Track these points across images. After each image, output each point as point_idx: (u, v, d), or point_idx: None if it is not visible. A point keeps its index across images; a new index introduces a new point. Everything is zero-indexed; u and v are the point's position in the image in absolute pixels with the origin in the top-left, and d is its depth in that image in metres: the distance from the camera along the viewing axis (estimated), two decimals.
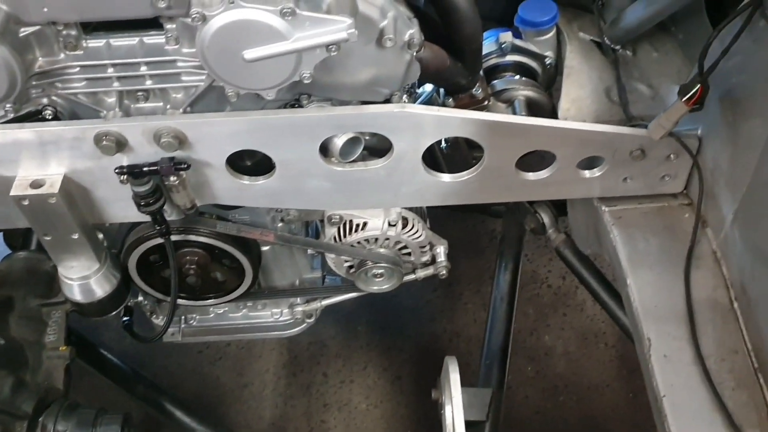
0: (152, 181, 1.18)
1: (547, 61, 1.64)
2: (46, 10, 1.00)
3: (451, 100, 1.43)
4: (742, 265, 1.10)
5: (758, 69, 1.03)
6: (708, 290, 1.14)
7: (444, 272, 1.51)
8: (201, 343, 2.24)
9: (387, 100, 1.23)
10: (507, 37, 1.62)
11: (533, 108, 1.51)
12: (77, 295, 1.35)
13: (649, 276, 1.17)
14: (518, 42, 1.63)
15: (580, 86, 1.54)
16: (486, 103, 1.44)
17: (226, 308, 1.67)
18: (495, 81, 1.58)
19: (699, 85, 1.06)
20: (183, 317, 1.67)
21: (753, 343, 1.07)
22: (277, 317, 1.67)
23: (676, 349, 1.09)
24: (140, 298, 1.59)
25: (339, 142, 1.20)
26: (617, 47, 1.62)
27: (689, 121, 1.21)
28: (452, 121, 1.17)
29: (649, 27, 1.51)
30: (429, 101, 1.49)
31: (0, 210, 1.27)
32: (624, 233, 1.24)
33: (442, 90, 1.45)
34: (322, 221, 1.46)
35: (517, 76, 1.61)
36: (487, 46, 1.65)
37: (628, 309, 1.19)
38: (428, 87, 1.48)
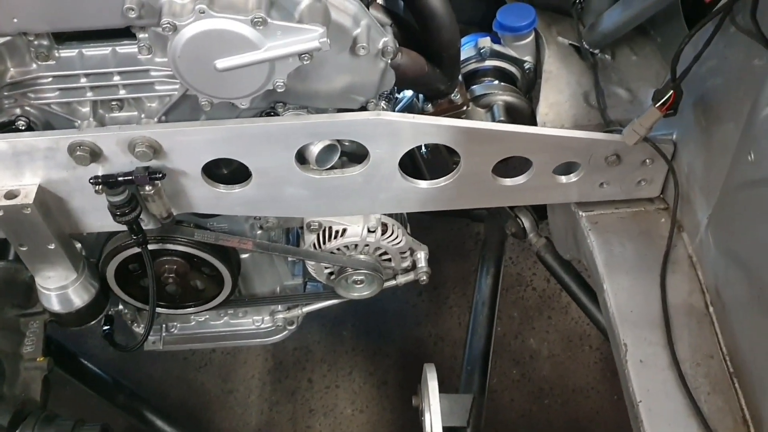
0: (127, 190, 1.17)
1: (526, 65, 1.64)
2: (15, 20, 0.99)
3: (430, 105, 1.43)
4: (717, 269, 1.11)
5: (729, 74, 1.04)
6: (684, 295, 1.15)
7: (424, 278, 1.51)
8: (188, 350, 2.24)
9: (363, 108, 1.23)
10: (486, 42, 1.63)
11: (512, 113, 1.51)
12: (55, 306, 1.34)
13: (625, 281, 1.18)
14: (497, 47, 1.63)
15: (559, 91, 1.54)
16: (465, 108, 1.44)
17: (207, 316, 1.66)
18: (474, 86, 1.58)
19: (672, 91, 1.06)
20: (164, 325, 1.66)
21: (728, 347, 1.08)
22: (258, 324, 1.67)
23: (652, 355, 1.09)
24: (121, 307, 1.59)
25: (315, 149, 1.19)
26: (596, 51, 1.62)
27: (664, 126, 1.22)
28: (428, 128, 1.17)
29: (626, 31, 1.52)
30: (409, 106, 1.49)
31: None
32: (600, 238, 1.24)
33: (421, 95, 1.45)
34: (301, 228, 1.46)
35: (496, 81, 1.61)
36: (466, 51, 1.66)
37: (604, 314, 1.19)
38: (408, 92, 1.48)
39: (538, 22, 1.63)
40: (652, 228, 1.25)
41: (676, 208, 1.21)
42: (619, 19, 1.46)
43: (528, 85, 1.66)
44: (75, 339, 2.06)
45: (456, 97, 1.42)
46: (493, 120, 1.49)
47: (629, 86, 1.56)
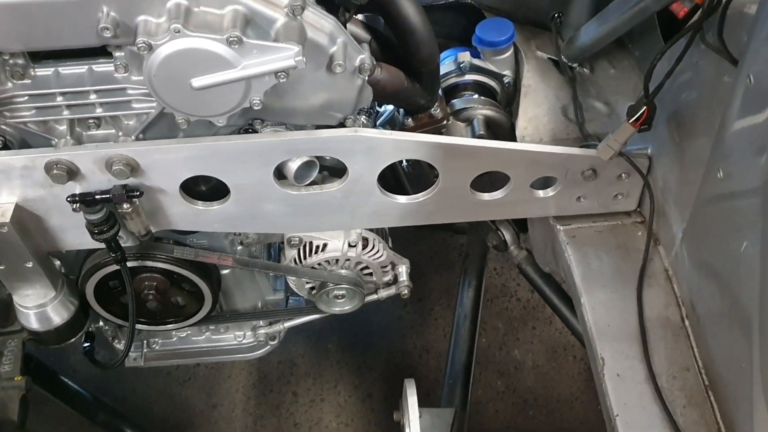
0: (105, 208, 1.17)
1: (506, 80, 1.66)
2: None
3: (410, 119, 1.44)
4: (691, 282, 1.12)
5: (701, 90, 1.05)
6: (660, 308, 1.16)
7: (406, 292, 1.51)
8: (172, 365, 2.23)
9: (341, 124, 1.24)
10: (465, 57, 1.64)
11: (492, 127, 1.53)
12: (34, 324, 1.33)
13: (602, 295, 1.19)
14: (477, 61, 1.65)
15: (537, 105, 1.55)
16: (445, 122, 1.45)
17: (189, 332, 1.65)
18: (454, 100, 1.59)
19: (645, 107, 1.07)
20: (145, 341, 1.66)
21: (703, 360, 1.09)
22: (240, 340, 1.67)
23: (629, 368, 1.10)
24: (101, 324, 1.58)
25: (293, 166, 1.20)
26: (574, 65, 1.64)
27: (640, 140, 1.23)
28: (405, 144, 1.18)
29: (603, 46, 1.53)
30: (391, 120, 1.50)
31: None
32: (578, 252, 1.25)
33: (402, 109, 1.46)
34: (283, 243, 1.46)
35: (476, 95, 1.62)
36: (447, 65, 1.67)
37: (582, 328, 1.20)
38: (389, 106, 1.49)
39: (517, 37, 1.65)
40: (628, 241, 1.26)
41: (651, 222, 1.22)
42: (595, 34, 1.47)
43: (508, 99, 1.68)
44: (56, 355, 2.05)
45: (436, 111, 1.43)
46: (473, 134, 1.50)
47: (607, 100, 1.58)
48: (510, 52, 1.65)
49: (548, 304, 1.57)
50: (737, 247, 0.88)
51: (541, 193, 1.27)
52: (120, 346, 1.62)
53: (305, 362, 2.32)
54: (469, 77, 1.65)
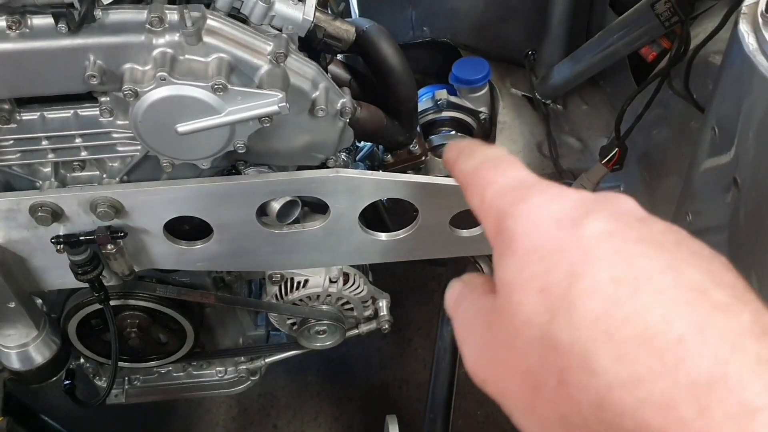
0: (89, 249, 1.18)
1: (482, 116, 1.70)
2: None
3: (389, 156, 1.47)
4: None
5: (669, 133, 1.10)
6: None
7: (386, 326, 1.53)
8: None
9: (323, 164, 1.26)
10: (442, 94, 1.69)
11: None
12: (15, 363, 1.33)
13: None
14: (453, 99, 1.69)
15: (513, 141, 1.60)
16: (423, 158, 1.49)
17: (170, 368, 1.66)
18: (432, 136, 1.64)
19: (617, 149, 1.11)
20: (126, 378, 1.65)
21: None
22: (221, 375, 1.67)
23: None
24: (82, 361, 1.58)
25: (276, 205, 1.22)
26: (548, 101, 1.69)
27: (612, 178, 1.27)
28: (386, 183, 1.20)
29: (575, 85, 1.59)
30: (370, 155, 1.53)
31: None
32: None
33: (381, 146, 1.49)
34: (264, 279, 1.48)
35: (454, 132, 1.67)
36: (424, 102, 1.71)
37: None
38: (368, 143, 1.53)
39: (492, 74, 1.70)
40: None
41: None
42: (569, 74, 1.53)
43: (484, 134, 1.72)
44: (34, 392, 2.03)
45: (415, 147, 1.46)
46: None
47: (580, 135, 1.63)
48: (485, 90, 1.70)
49: None
50: None
51: None
52: (101, 383, 1.61)
53: (285, 394, 2.32)
54: (447, 114, 1.70)
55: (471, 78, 1.66)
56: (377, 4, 1.75)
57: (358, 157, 1.53)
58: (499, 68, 1.79)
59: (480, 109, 1.70)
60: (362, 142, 1.53)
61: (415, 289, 2.58)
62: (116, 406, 2.16)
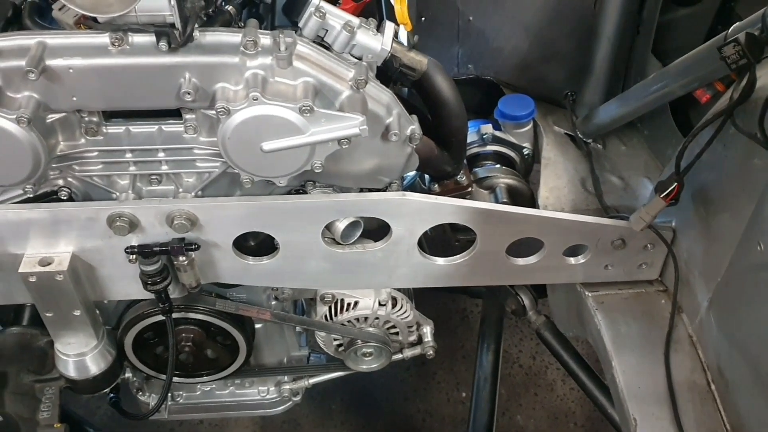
0: (160, 260, 1.22)
1: (525, 151, 1.75)
2: (75, 99, 1.06)
3: (437, 186, 1.51)
4: (719, 349, 1.19)
5: (728, 170, 1.14)
6: (686, 372, 1.22)
7: (431, 352, 1.56)
8: (175, 421, 2.22)
9: (386, 188, 1.31)
10: (488, 128, 1.74)
11: (514, 195, 1.61)
12: (71, 372, 1.35)
13: (631, 358, 1.25)
14: (498, 133, 1.74)
15: (557, 176, 1.64)
16: (470, 189, 1.53)
17: (214, 385, 1.68)
18: (477, 169, 1.68)
19: (676, 183, 1.16)
20: (170, 394, 1.67)
21: (732, 424, 1.14)
22: (263, 395, 1.69)
23: (660, 429, 1.15)
24: (128, 375, 1.60)
25: (341, 225, 1.26)
26: (589, 141, 1.74)
27: (663, 214, 1.32)
28: (449, 208, 1.25)
29: (620, 125, 1.64)
30: (412, 185, 1.57)
31: (1, 286, 1.29)
32: (607, 317, 1.32)
33: (426, 176, 1.53)
34: (311, 300, 1.51)
35: (498, 165, 1.72)
36: (469, 136, 1.76)
37: (612, 390, 1.25)
38: (411, 172, 1.57)
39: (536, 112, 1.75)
40: (653, 309, 1.34)
41: (676, 291, 1.30)
42: (616, 114, 1.58)
43: (526, 169, 1.77)
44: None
45: (461, 178, 1.50)
46: (496, 201, 1.58)
47: (621, 174, 1.68)
48: (530, 126, 1.76)
49: (565, 368, 1.62)
50: None
51: (572, 260, 1.35)
52: (144, 398, 1.63)
53: (309, 422, 2.33)
54: (491, 148, 1.75)
55: (517, 114, 1.72)
56: (425, 41, 1.81)
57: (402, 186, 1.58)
58: (541, 106, 1.84)
59: (524, 145, 1.75)
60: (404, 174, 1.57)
61: (439, 323, 2.56)
62: (139, 426, 2.18)
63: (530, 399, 2.39)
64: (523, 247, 1.37)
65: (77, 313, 1.27)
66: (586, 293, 1.38)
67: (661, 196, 1.18)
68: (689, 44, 1.25)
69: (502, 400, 2.39)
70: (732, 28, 1.09)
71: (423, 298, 2.55)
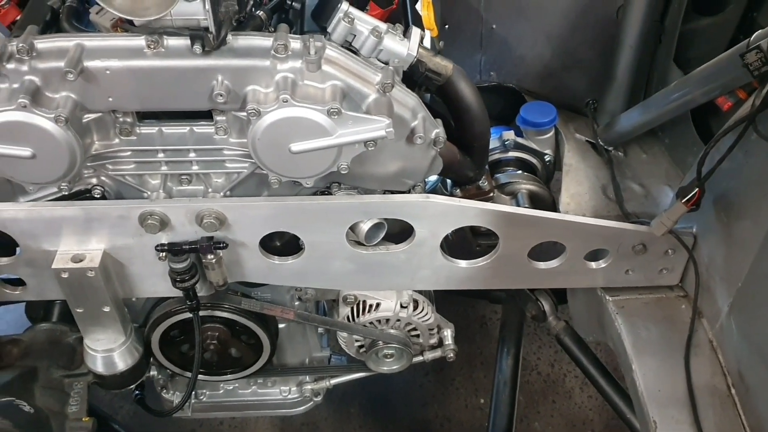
0: (189, 258, 1.25)
1: (547, 158, 1.77)
2: (111, 99, 1.09)
3: (459, 190, 1.53)
4: (740, 354, 1.19)
5: (749, 177, 1.15)
6: (707, 376, 1.23)
7: (451, 355, 1.57)
8: (195, 420, 2.24)
9: (410, 190, 1.33)
10: (510, 135, 1.76)
11: (535, 200, 1.62)
12: (100, 367, 1.38)
13: (651, 362, 1.26)
14: (520, 140, 1.76)
15: (579, 183, 1.66)
16: (491, 194, 1.54)
17: (236, 384, 1.70)
18: (498, 174, 1.70)
19: (697, 189, 1.17)
20: (193, 392, 1.69)
21: (752, 428, 1.15)
22: (285, 395, 1.71)
23: None
24: (153, 373, 1.62)
25: (365, 226, 1.28)
26: (610, 148, 1.76)
27: (684, 220, 1.33)
28: (473, 211, 1.27)
29: (641, 132, 1.65)
30: (434, 190, 1.59)
31: (33, 282, 1.32)
32: (628, 322, 1.33)
33: (448, 181, 1.55)
34: (334, 301, 1.53)
35: (519, 171, 1.73)
36: (491, 142, 1.77)
37: (632, 393, 1.26)
38: (433, 177, 1.59)
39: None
40: (673, 313, 1.35)
41: (697, 296, 1.30)
42: (638, 121, 1.59)
43: (548, 175, 1.79)
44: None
45: (483, 183, 1.52)
46: (518, 206, 1.60)
47: (642, 182, 1.69)
48: (551, 133, 1.77)
49: (585, 374, 1.63)
50: None
51: (593, 264, 1.36)
52: (168, 395, 1.66)
53: (328, 426, 2.34)
54: (512, 154, 1.76)
55: (539, 121, 1.74)
56: (448, 48, 1.84)
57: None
58: (563, 114, 1.86)
59: (545, 151, 1.76)
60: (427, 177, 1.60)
61: (458, 329, 2.58)
62: (162, 425, 2.21)
63: (548, 406, 2.39)
64: (543, 253, 1.39)
65: (107, 309, 1.30)
66: (607, 298, 1.39)
67: (683, 201, 1.19)
68: (711, 53, 1.26)
69: (520, 407, 2.39)
70: (755, 35, 1.10)
71: (442, 304, 2.57)
